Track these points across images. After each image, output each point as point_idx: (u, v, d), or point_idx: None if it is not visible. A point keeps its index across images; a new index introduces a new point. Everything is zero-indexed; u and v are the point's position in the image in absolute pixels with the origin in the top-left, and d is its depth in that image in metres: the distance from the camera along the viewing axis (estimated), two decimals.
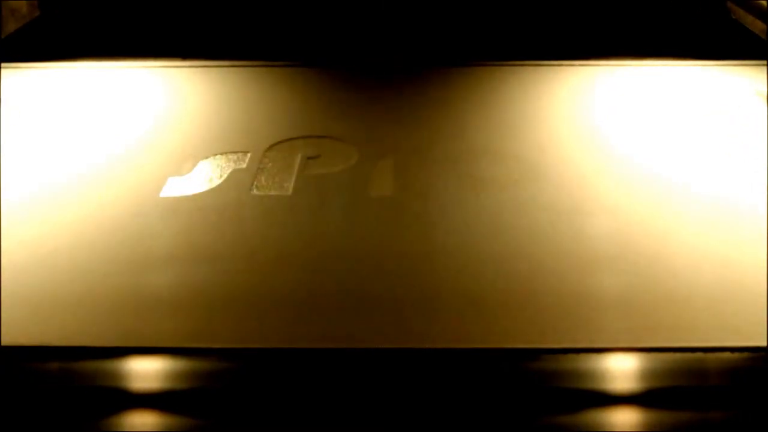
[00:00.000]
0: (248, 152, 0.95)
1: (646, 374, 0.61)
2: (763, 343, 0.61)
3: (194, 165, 0.92)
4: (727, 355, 0.61)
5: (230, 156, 0.95)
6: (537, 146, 0.96)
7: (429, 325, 0.65)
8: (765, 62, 1.22)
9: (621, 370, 0.61)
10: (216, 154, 0.95)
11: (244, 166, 0.92)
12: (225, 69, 1.26)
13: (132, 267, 0.72)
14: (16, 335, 0.62)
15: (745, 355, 0.61)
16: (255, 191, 0.86)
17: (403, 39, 1.42)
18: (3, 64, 1.23)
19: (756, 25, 1.37)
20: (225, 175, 0.89)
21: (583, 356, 0.61)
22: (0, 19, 1.35)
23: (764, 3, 1.34)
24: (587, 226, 0.79)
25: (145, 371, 0.62)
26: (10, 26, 1.39)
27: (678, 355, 0.61)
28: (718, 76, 1.22)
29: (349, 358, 0.61)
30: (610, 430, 0.56)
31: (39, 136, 1.02)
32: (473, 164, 0.91)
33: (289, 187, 0.87)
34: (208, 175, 0.90)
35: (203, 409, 0.58)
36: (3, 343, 0.61)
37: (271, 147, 0.97)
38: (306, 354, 0.62)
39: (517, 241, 0.76)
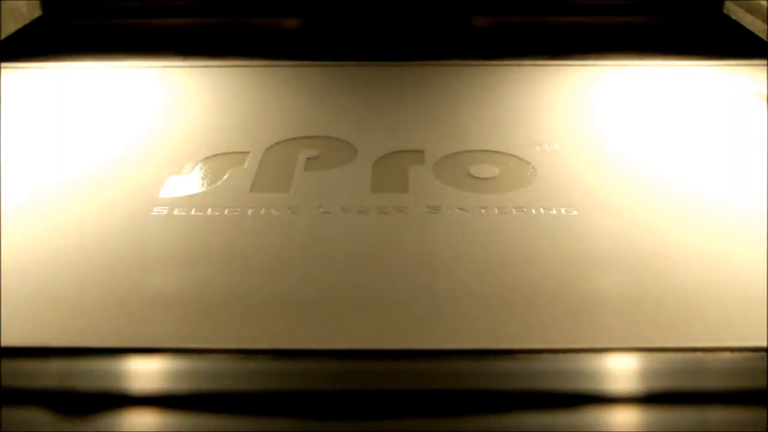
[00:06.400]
0: (248, 152, 0.95)
1: (646, 374, 0.61)
2: (763, 343, 0.61)
3: (194, 165, 0.92)
4: (727, 355, 0.61)
5: (230, 156, 0.95)
6: (537, 146, 0.96)
7: (428, 325, 0.65)
8: (765, 62, 1.22)
9: (621, 370, 0.61)
10: (216, 154, 0.95)
11: (244, 166, 0.92)
12: (225, 69, 1.26)
13: (132, 267, 0.72)
14: (16, 335, 0.62)
15: (745, 355, 0.61)
16: (255, 191, 0.86)
17: (403, 38, 1.42)
18: (3, 64, 1.23)
19: (756, 25, 1.37)
20: (225, 175, 0.89)
21: (583, 356, 0.61)
22: None
23: (764, 3, 1.34)
24: (587, 226, 0.79)
25: (145, 371, 0.62)
26: (10, 26, 1.39)
27: (678, 355, 0.61)
28: (718, 76, 1.22)
29: (350, 359, 0.61)
30: (610, 430, 0.56)
31: (39, 136, 1.02)
32: (473, 164, 0.91)
33: (289, 187, 0.87)
34: (208, 175, 0.90)
35: (203, 410, 0.57)
36: (3, 344, 0.61)
37: (271, 147, 0.97)
38: (306, 354, 0.62)
39: (517, 241, 0.76)
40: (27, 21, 1.44)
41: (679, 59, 1.28)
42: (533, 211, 0.81)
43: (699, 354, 0.61)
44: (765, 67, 1.21)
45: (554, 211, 0.81)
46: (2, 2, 1.35)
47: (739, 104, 1.11)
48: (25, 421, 0.56)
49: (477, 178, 0.89)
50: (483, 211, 0.81)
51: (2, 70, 1.21)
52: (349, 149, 0.96)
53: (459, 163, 0.92)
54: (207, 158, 0.94)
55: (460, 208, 0.82)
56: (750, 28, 1.38)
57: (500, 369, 0.61)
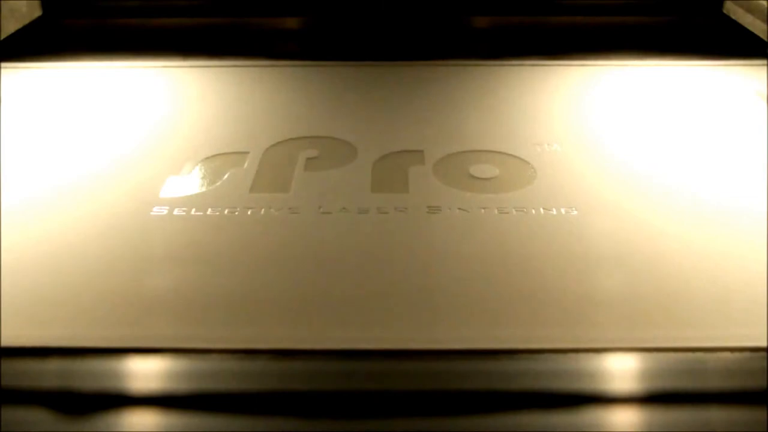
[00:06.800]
0: (248, 152, 0.95)
1: (646, 374, 0.61)
2: (763, 343, 0.61)
3: (194, 165, 0.92)
4: (727, 355, 0.61)
5: (230, 156, 0.95)
6: (537, 146, 0.96)
7: (428, 325, 0.65)
8: (765, 62, 1.22)
9: (621, 370, 0.61)
10: (216, 154, 0.95)
11: (244, 166, 0.92)
12: (225, 69, 1.26)
13: (132, 267, 0.72)
14: (16, 335, 0.62)
15: (745, 355, 0.61)
16: (255, 191, 0.86)
17: (403, 38, 1.43)
18: (3, 64, 1.23)
19: (756, 25, 1.37)
20: (225, 175, 0.89)
21: (583, 356, 0.61)
22: None
23: (764, 3, 1.34)
24: (587, 226, 0.79)
25: (145, 371, 0.62)
26: (10, 26, 1.39)
27: (678, 355, 0.61)
28: (718, 76, 1.22)
29: (350, 359, 0.61)
30: (610, 430, 0.56)
31: (39, 136, 1.02)
32: (473, 164, 0.91)
33: (289, 186, 0.87)
34: (208, 175, 0.90)
35: (203, 410, 0.57)
36: (3, 344, 0.61)
37: (271, 147, 0.97)
38: (306, 354, 0.62)
39: (517, 241, 0.76)
40: (27, 21, 1.44)
41: (679, 59, 1.28)
42: (533, 211, 0.81)
43: (699, 354, 0.61)
44: (765, 67, 1.21)
45: (554, 211, 0.81)
46: (2, 2, 1.35)
47: (739, 104, 1.11)
48: (25, 421, 0.56)
49: (477, 178, 0.89)
50: (483, 211, 0.81)
51: (2, 70, 1.21)
52: (349, 149, 0.96)
53: (459, 163, 0.92)
54: (207, 158, 0.94)
55: (460, 208, 0.82)
56: (750, 28, 1.38)
57: (500, 369, 0.61)
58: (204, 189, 0.87)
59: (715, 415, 0.57)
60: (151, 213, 0.81)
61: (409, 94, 1.16)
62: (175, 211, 0.82)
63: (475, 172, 0.90)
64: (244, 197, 0.85)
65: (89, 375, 0.60)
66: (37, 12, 1.47)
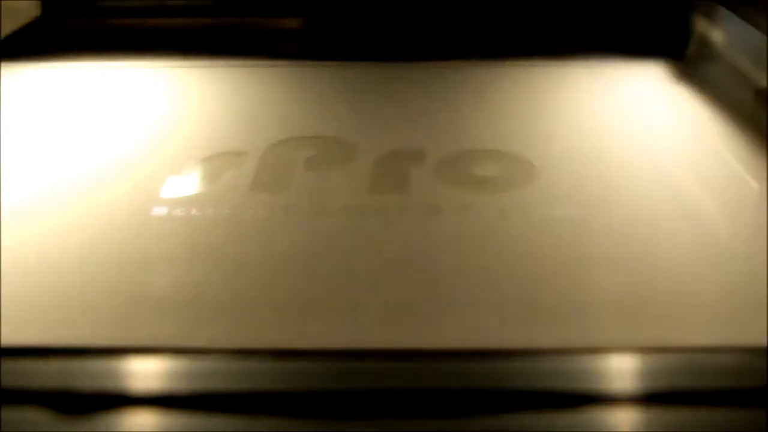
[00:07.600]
0: (248, 152, 0.95)
1: (646, 374, 0.61)
2: (763, 343, 0.61)
3: (194, 165, 0.92)
4: (727, 355, 0.61)
5: (230, 156, 0.95)
6: (537, 146, 0.96)
7: (428, 325, 0.65)
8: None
9: (621, 370, 0.61)
10: (216, 154, 0.95)
11: (243, 166, 0.92)
12: (225, 69, 1.26)
13: (131, 267, 0.72)
14: (16, 335, 0.62)
15: (745, 355, 0.61)
16: (255, 191, 0.86)
17: (403, 38, 1.42)
18: (3, 64, 1.23)
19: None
20: (225, 175, 0.89)
21: (583, 356, 0.61)
22: None
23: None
24: (587, 226, 0.79)
25: (145, 371, 0.61)
26: (10, 26, 1.39)
27: (678, 355, 0.61)
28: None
29: (350, 359, 0.61)
30: (610, 430, 0.56)
31: (39, 136, 1.02)
32: (473, 164, 0.91)
33: (289, 186, 0.87)
34: (208, 175, 0.90)
35: (203, 410, 0.57)
36: (3, 344, 0.61)
37: (270, 147, 0.97)
38: (306, 354, 0.62)
39: (517, 241, 0.76)
40: (27, 21, 1.43)
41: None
42: (534, 210, 0.81)
43: (699, 354, 0.61)
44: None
45: (555, 211, 0.81)
46: (2, 2, 1.35)
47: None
48: (25, 421, 0.56)
49: (478, 177, 0.88)
50: (483, 211, 0.81)
51: (2, 70, 1.21)
52: (349, 149, 0.96)
53: (460, 162, 0.92)
54: (207, 158, 0.94)
55: (460, 208, 0.82)
56: None
57: (500, 369, 0.61)
58: (204, 189, 0.87)
59: (715, 415, 0.57)
60: (151, 213, 0.81)
61: (409, 94, 1.16)
62: (175, 211, 0.82)
63: (476, 172, 0.90)
64: (244, 197, 0.85)
65: (89, 375, 0.60)
66: (37, 12, 1.47)
